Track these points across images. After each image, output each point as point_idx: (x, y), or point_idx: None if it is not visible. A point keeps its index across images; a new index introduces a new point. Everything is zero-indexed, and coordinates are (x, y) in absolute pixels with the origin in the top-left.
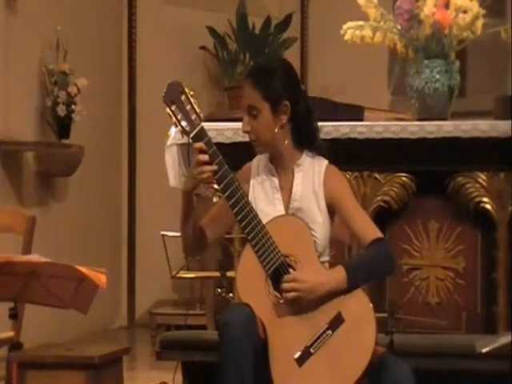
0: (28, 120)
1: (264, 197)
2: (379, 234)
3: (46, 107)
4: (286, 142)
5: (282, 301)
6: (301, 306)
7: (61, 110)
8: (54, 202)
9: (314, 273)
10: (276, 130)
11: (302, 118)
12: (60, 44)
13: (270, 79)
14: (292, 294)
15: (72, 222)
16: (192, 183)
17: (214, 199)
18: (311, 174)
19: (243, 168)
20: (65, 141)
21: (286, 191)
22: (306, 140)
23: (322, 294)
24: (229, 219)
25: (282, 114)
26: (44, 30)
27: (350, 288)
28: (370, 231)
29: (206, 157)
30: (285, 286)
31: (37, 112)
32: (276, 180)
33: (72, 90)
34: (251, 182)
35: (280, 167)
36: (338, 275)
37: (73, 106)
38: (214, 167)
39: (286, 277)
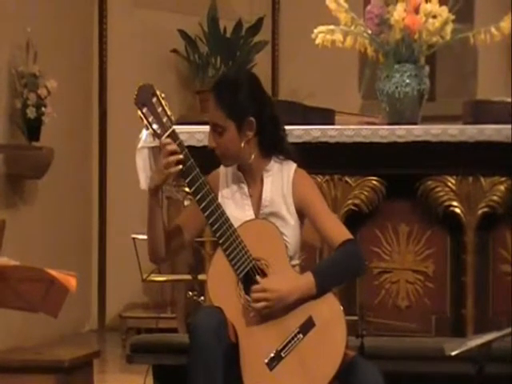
0: None
1: (233, 203)
2: (348, 236)
3: (15, 109)
4: (253, 156)
5: (251, 313)
6: (271, 312)
7: (30, 112)
8: (24, 204)
9: (282, 281)
10: (242, 145)
11: (268, 129)
12: (30, 45)
13: (234, 97)
14: (261, 304)
15: (42, 225)
16: (159, 178)
17: (185, 202)
18: (280, 179)
19: (211, 174)
20: (34, 143)
21: (256, 197)
22: (274, 148)
23: (292, 301)
24: (199, 222)
25: (248, 131)
26: (13, 31)
27: (319, 293)
28: (339, 233)
29: (173, 147)
30: (254, 295)
31: (6, 114)
32: (245, 186)
33: (42, 92)
34: (220, 188)
35: (248, 175)
36: (307, 282)
37: (43, 108)
38: (180, 156)
39: (255, 287)
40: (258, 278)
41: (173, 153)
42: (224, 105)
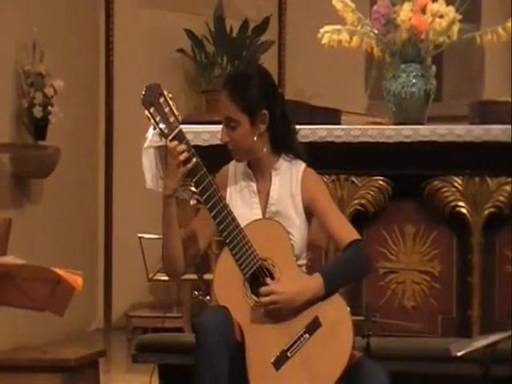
0: (4, 121)
1: (241, 201)
2: (356, 236)
3: (22, 109)
4: (265, 149)
5: (258, 313)
6: (279, 313)
7: (37, 112)
8: (30, 203)
9: (291, 283)
10: (254, 139)
11: (279, 123)
12: (36, 45)
13: (246, 90)
14: (271, 307)
15: (48, 224)
16: (173, 181)
17: (192, 202)
18: (288, 177)
19: (220, 172)
20: (41, 142)
21: (264, 195)
22: (284, 144)
23: (301, 303)
24: (212, 227)
25: (261, 123)
26: (20, 30)
27: (327, 294)
28: (347, 233)
29: (181, 147)
30: (263, 300)
31: (13, 113)
32: (254, 184)
33: (48, 91)
34: (228, 185)
35: (258, 172)
36: (315, 283)
37: (49, 108)
38: (188, 154)
39: (263, 289)
40: (267, 280)
41: (181, 152)
42: (237, 98)
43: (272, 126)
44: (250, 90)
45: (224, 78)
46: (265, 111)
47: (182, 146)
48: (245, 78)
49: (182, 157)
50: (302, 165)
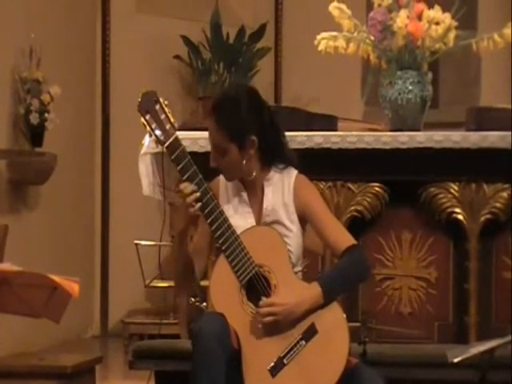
0: (0, 128)
1: (234, 212)
2: (352, 241)
3: (18, 115)
4: (254, 173)
5: (254, 320)
6: (278, 324)
7: (34, 118)
8: (27, 210)
9: (290, 294)
10: (244, 163)
11: (269, 143)
12: (33, 51)
13: (234, 118)
14: (270, 319)
15: (45, 231)
16: (181, 223)
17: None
18: (280, 187)
19: (211, 183)
20: (38, 149)
21: (257, 206)
22: (274, 157)
23: (300, 314)
24: (211, 242)
25: (250, 149)
26: (17, 37)
27: (326, 302)
28: (343, 239)
29: (190, 188)
30: (262, 311)
31: (9, 120)
32: (245, 194)
33: (45, 98)
34: (220, 197)
35: (249, 185)
36: (314, 293)
37: (46, 114)
38: (198, 194)
39: (263, 302)
40: (264, 299)
41: (191, 192)
42: (225, 127)
43: (262, 146)
44: (237, 118)
45: (211, 104)
46: (253, 137)
47: (193, 187)
48: (231, 106)
49: (192, 198)
50: (294, 172)
